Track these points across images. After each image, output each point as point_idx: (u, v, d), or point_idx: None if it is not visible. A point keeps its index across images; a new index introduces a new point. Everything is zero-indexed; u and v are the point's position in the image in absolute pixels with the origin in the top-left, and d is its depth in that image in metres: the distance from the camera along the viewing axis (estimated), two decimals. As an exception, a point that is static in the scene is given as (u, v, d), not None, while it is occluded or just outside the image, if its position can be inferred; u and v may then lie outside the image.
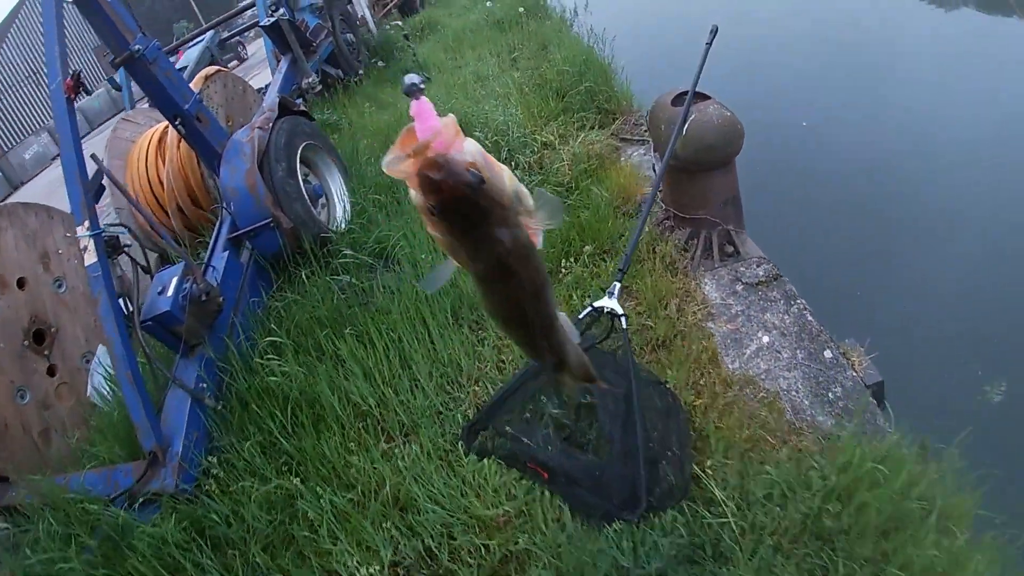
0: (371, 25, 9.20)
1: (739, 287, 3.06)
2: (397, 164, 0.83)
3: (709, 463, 2.22)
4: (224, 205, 3.26)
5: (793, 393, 2.47)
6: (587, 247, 3.13)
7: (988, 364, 3.08)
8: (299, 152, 3.65)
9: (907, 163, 4.50)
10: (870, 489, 1.97)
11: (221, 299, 2.65)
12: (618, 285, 2.37)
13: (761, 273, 3.10)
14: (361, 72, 7.66)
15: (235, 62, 17.88)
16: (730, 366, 2.68)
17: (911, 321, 3.44)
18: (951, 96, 5.20)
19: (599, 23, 5.30)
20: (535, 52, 6.55)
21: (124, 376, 2.35)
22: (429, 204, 0.81)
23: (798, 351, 2.67)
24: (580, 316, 2.33)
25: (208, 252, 3.17)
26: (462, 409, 2.49)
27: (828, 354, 2.70)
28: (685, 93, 3.02)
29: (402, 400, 2.55)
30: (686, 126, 2.73)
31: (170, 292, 2.47)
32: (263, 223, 3.12)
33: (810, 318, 2.91)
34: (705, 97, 2.89)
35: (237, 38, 9.40)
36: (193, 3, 28.77)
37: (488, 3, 8.89)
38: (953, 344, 3.30)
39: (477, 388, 2.58)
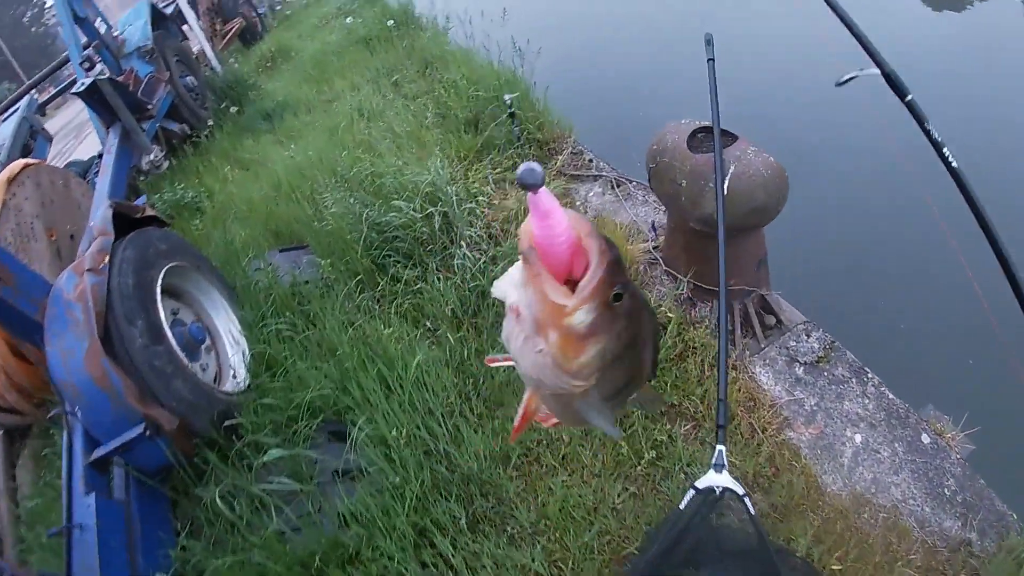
0: (213, 61, 7.70)
1: (799, 369, 2.41)
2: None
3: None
4: (66, 409, 2.11)
5: (911, 502, 2.05)
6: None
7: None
8: (158, 286, 2.51)
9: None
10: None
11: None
12: (723, 450, 1.63)
13: (816, 345, 2.46)
14: (211, 123, 6.28)
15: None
16: (833, 487, 2.10)
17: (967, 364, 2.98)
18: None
19: (502, 34, 4.42)
20: (419, 73, 5.57)
21: None
22: (616, 289, 0.59)
23: (896, 444, 2.21)
24: (682, 505, 1.64)
25: (64, 497, 1.98)
26: None
27: (926, 439, 2.26)
28: (701, 131, 2.29)
29: None
30: (727, 183, 1.99)
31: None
32: (134, 434, 2.01)
33: (891, 396, 2.37)
34: (731, 136, 2.17)
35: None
36: (14, 62, 24.52)
37: (347, 20, 7.70)
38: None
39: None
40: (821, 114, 4.67)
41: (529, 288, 0.60)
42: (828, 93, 1.85)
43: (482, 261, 2.81)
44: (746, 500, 1.60)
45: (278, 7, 11.70)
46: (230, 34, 9.22)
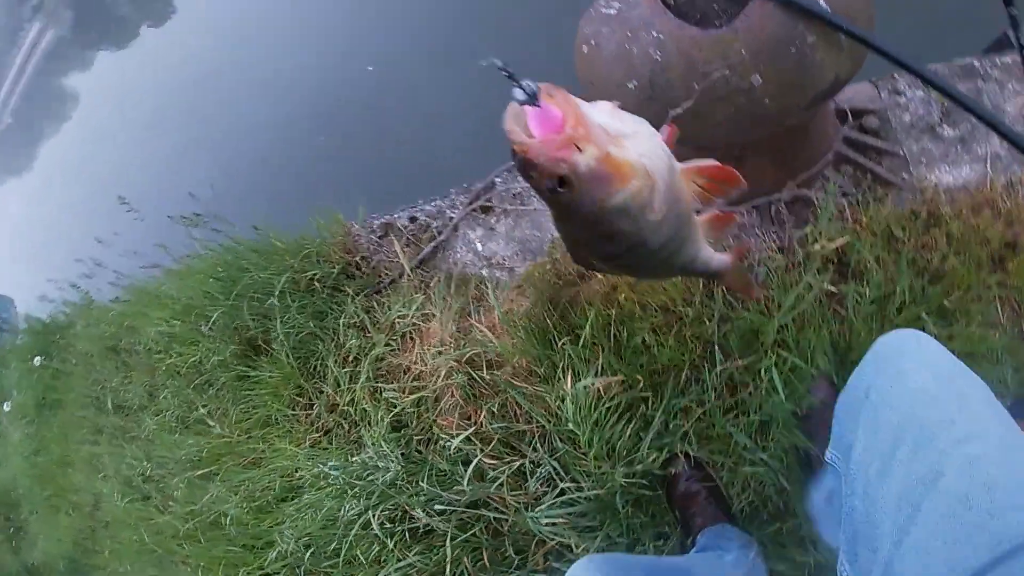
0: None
1: (947, 131, 1.58)
2: None
3: None
4: None
5: None
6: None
7: None
8: None
9: None
10: None
11: None
12: None
13: (920, 93, 1.62)
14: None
15: None
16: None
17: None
18: None
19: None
20: (122, 372, 3.71)
21: None
22: None
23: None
24: None
25: None
26: None
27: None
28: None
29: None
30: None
31: None
32: None
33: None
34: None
35: None
36: None
37: (5, 407, 5.52)
38: None
39: None
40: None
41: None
42: None
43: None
44: None
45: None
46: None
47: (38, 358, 4.80)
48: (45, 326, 4.91)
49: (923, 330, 0.86)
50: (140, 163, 6.71)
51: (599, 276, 1.71)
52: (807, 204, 1.51)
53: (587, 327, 1.53)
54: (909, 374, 0.70)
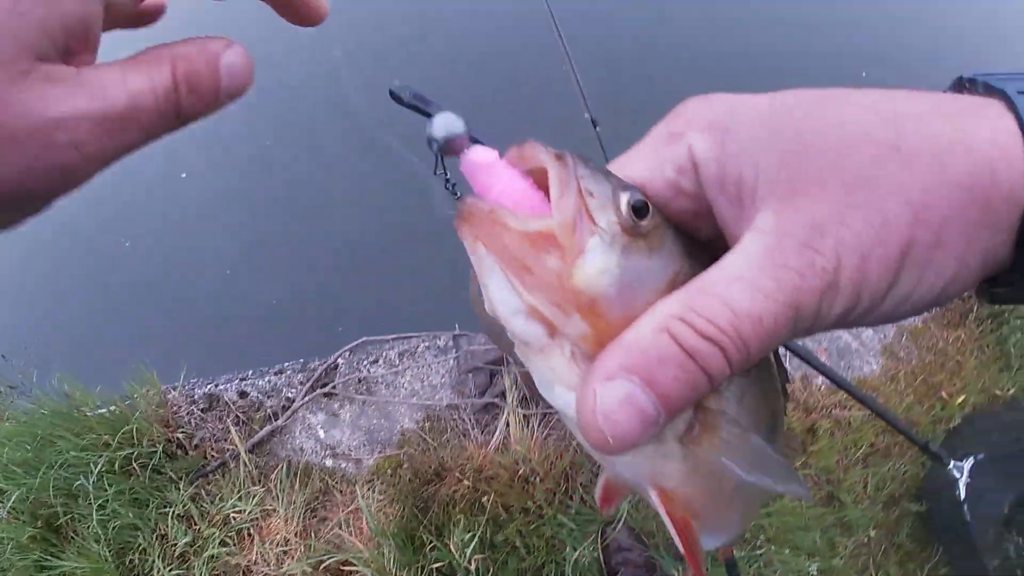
0: None
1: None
2: None
3: None
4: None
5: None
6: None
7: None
8: None
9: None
10: None
11: None
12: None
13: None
14: None
15: None
16: None
17: None
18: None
19: None
20: None
21: None
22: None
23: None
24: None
25: None
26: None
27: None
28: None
29: None
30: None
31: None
32: None
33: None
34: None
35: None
36: None
37: None
38: None
39: None
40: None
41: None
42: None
43: None
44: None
45: None
46: None
47: None
48: None
49: None
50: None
51: (456, 474, 1.69)
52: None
53: (455, 536, 1.50)
54: None
